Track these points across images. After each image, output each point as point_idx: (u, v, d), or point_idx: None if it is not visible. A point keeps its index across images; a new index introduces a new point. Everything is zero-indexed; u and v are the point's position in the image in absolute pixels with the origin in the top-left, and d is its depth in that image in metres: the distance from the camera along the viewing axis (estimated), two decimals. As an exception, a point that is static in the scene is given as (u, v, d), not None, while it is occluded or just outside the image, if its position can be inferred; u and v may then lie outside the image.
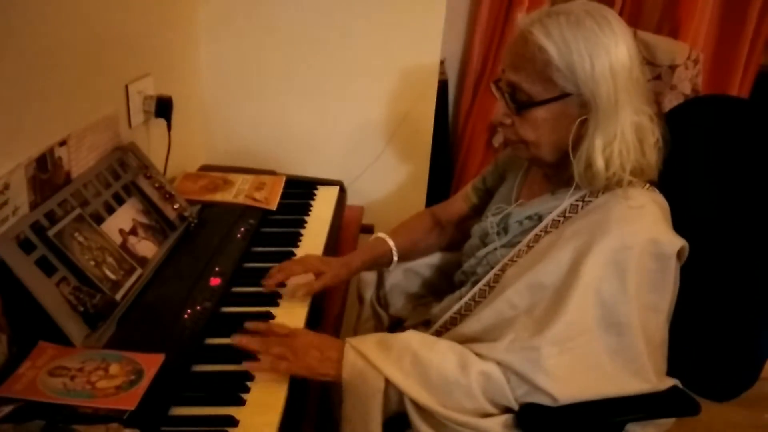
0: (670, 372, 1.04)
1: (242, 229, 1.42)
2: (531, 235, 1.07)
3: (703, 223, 1.15)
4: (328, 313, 1.35)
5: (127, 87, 1.41)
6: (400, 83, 1.88)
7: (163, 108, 1.50)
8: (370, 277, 1.39)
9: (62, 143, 1.15)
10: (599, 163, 0.98)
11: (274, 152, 1.92)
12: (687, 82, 1.95)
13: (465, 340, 1.04)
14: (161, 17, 1.57)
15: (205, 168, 1.78)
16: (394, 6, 1.78)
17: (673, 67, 1.94)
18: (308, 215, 1.56)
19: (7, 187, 0.97)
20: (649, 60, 1.96)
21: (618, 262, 0.95)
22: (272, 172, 1.75)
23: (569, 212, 1.04)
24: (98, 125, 1.28)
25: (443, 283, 1.36)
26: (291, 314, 1.16)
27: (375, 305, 1.39)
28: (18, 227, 1.00)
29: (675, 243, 0.97)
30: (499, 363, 0.95)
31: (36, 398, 0.86)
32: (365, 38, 1.82)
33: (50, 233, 1.03)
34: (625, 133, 0.98)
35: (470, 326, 1.06)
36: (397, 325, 1.36)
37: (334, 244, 1.50)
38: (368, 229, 1.79)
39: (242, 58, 1.85)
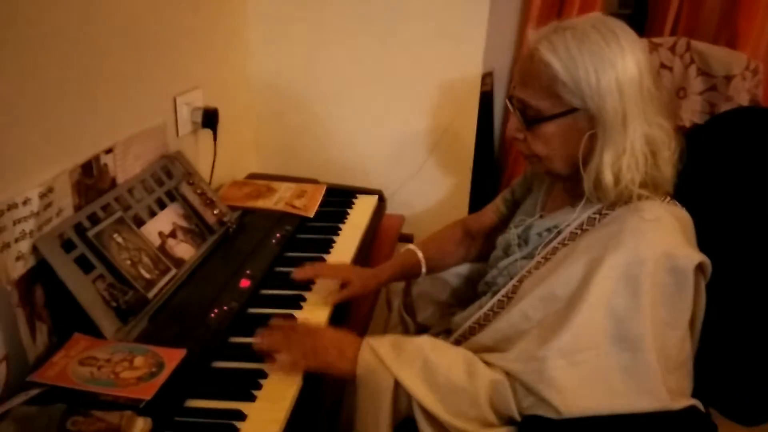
0: (698, 392, 1.01)
1: (278, 235, 1.47)
2: (549, 248, 1.07)
3: (735, 239, 1.11)
4: (355, 317, 1.38)
5: (175, 99, 1.50)
6: (442, 95, 1.90)
7: (210, 119, 1.58)
8: (397, 285, 1.42)
9: (108, 151, 1.24)
10: (608, 177, 0.97)
11: (320, 162, 1.98)
12: (745, 93, 1.87)
13: (480, 350, 1.05)
14: (212, 33, 1.67)
15: (253, 176, 1.86)
16: (437, 19, 1.81)
17: (729, 78, 1.87)
18: (344, 223, 1.61)
19: (51, 190, 1.07)
20: (703, 70, 1.90)
21: (631, 277, 0.93)
22: (315, 181, 1.81)
23: (586, 225, 1.03)
24: (145, 135, 1.37)
25: (470, 293, 1.36)
26: (314, 317, 1.20)
27: (402, 312, 1.41)
28: (61, 228, 1.09)
29: (692, 257, 0.94)
30: (507, 373, 0.96)
31: (64, 384, 0.94)
32: (408, 51, 1.86)
33: (90, 233, 1.12)
34: (635, 147, 0.97)
35: (486, 336, 1.07)
36: (423, 332, 1.37)
37: (367, 252, 1.53)
38: (407, 238, 1.82)
39: (291, 71, 1.92)
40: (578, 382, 0.91)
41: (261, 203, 1.63)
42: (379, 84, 1.91)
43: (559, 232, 1.07)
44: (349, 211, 1.67)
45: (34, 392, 0.90)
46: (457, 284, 1.40)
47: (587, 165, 1.00)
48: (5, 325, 0.98)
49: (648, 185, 0.99)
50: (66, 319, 1.08)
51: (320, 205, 1.67)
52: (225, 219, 1.46)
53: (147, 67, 1.37)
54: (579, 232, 1.04)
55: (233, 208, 1.56)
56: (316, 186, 1.76)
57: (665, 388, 0.92)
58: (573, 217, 1.05)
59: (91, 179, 1.20)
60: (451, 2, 1.79)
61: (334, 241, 1.51)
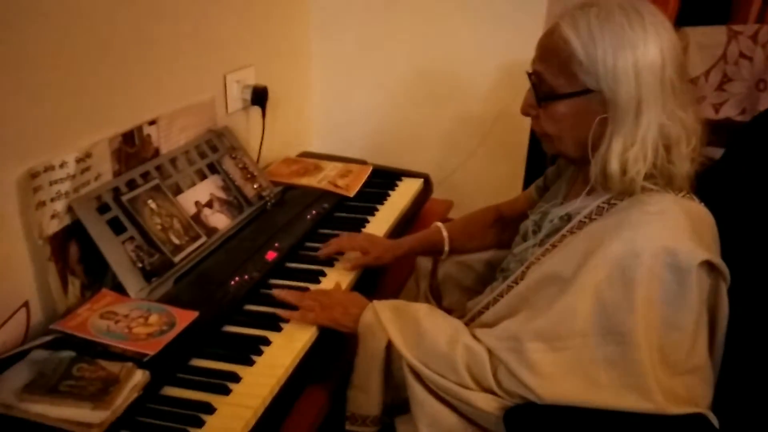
0: (721, 404, 0.95)
1: (314, 212, 1.51)
2: (558, 235, 1.04)
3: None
4: (381, 295, 1.39)
5: (225, 76, 1.56)
6: (498, 79, 1.86)
7: (259, 97, 1.64)
8: (425, 266, 1.42)
9: (152, 122, 1.32)
10: (614, 166, 0.92)
11: (372, 143, 2.00)
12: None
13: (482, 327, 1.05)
14: (270, 12, 1.72)
15: (304, 154, 1.91)
16: (495, 4, 1.78)
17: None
18: (383, 204, 1.62)
19: (89, 155, 1.15)
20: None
21: (624, 268, 0.89)
22: (363, 162, 1.83)
23: (594, 214, 0.99)
24: (192, 109, 1.45)
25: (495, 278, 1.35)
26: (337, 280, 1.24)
27: (428, 295, 1.41)
28: (98, 191, 1.17)
29: (694, 254, 0.88)
30: (489, 350, 0.96)
31: (81, 334, 1.02)
32: (465, 35, 1.84)
33: (124, 198, 1.20)
34: (646, 139, 0.92)
35: (487, 317, 1.08)
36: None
37: (402, 233, 1.53)
38: (452, 224, 1.80)
39: (349, 53, 1.95)
40: (558, 368, 0.90)
41: (305, 180, 1.67)
42: (436, 68, 1.90)
43: (569, 220, 1.03)
44: (390, 192, 1.68)
45: (47, 338, 0.99)
46: (483, 270, 1.38)
47: (596, 151, 0.95)
48: (37, 276, 1.08)
49: (660, 179, 0.94)
50: (98, 275, 1.17)
51: (363, 186, 1.69)
52: (264, 193, 1.51)
53: (198, 44, 1.44)
54: (587, 221, 1.00)
55: (277, 184, 1.61)
56: (362, 167, 1.78)
57: (659, 390, 0.87)
58: (585, 205, 1.01)
59: (132, 148, 1.28)
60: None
61: (368, 221, 1.53)
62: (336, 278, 1.26)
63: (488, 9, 1.79)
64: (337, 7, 1.91)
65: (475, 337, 0.99)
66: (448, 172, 1.97)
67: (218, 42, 1.51)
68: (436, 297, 1.41)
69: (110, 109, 1.22)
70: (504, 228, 1.40)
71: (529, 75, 1.03)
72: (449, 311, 1.38)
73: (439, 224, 1.37)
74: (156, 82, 1.33)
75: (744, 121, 1.81)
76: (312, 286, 1.24)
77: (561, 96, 0.96)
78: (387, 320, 1.04)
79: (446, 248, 1.35)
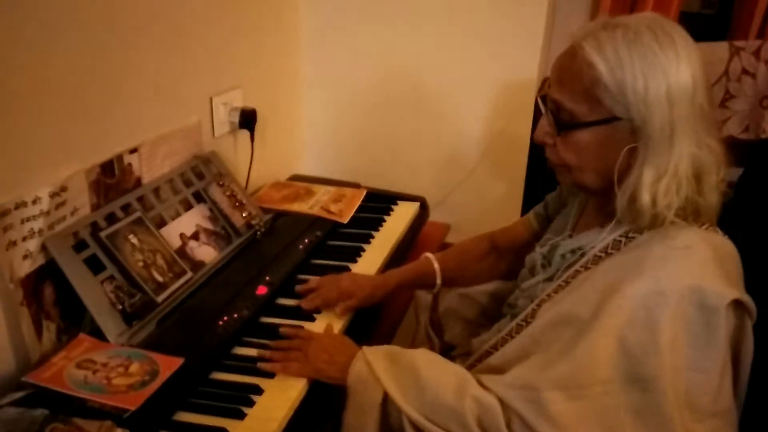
0: None
1: (306, 240, 1.43)
2: (571, 271, 0.97)
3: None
4: (381, 328, 1.33)
5: (211, 99, 1.49)
6: (496, 99, 1.80)
7: (248, 119, 1.56)
8: (425, 299, 1.34)
9: (133, 150, 1.24)
10: (645, 198, 0.85)
11: (366, 165, 1.93)
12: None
13: (489, 372, 0.97)
14: (258, 32, 1.64)
15: (295, 178, 1.83)
16: (493, 19, 1.72)
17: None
18: (378, 230, 1.54)
19: (64, 189, 1.07)
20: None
21: (649, 309, 0.82)
22: (357, 185, 1.76)
23: (611, 248, 0.93)
24: (176, 134, 1.37)
25: (500, 312, 1.27)
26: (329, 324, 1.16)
27: (429, 329, 1.33)
28: (74, 227, 1.09)
29: (723, 294, 0.82)
30: (500, 400, 0.88)
31: (56, 387, 0.93)
32: (461, 53, 1.78)
33: (103, 234, 1.11)
34: (679, 169, 0.85)
35: (496, 359, 1.00)
36: (448, 351, 1.30)
37: (399, 262, 1.46)
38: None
39: (340, 73, 1.88)
40: (579, 419, 0.83)
41: (296, 206, 1.59)
42: (431, 86, 1.84)
43: (582, 254, 0.97)
44: (385, 218, 1.61)
45: (18, 395, 0.90)
46: (487, 303, 1.31)
47: (622, 182, 0.88)
48: (8, 323, 0.99)
49: (687, 212, 0.87)
50: (75, 318, 1.08)
51: (357, 211, 1.61)
52: (253, 222, 1.43)
53: (182, 66, 1.36)
54: (603, 255, 0.93)
55: (267, 211, 1.53)
56: (355, 190, 1.70)
57: None
58: (599, 239, 0.95)
59: (112, 178, 1.20)
60: (508, 3, 1.69)
61: (363, 250, 1.45)
62: (329, 317, 1.18)
63: (485, 27, 1.73)
64: (329, 26, 1.84)
65: (482, 384, 0.91)
66: (445, 193, 1.90)
67: (203, 64, 1.44)
68: (437, 331, 1.33)
69: (87, 138, 1.13)
70: (500, 258, 1.33)
71: (543, 99, 0.96)
72: (451, 346, 1.31)
73: (430, 255, 1.29)
74: (137, 108, 1.25)
75: (748, 140, 1.76)
76: (306, 324, 1.17)
77: (583, 124, 0.89)
78: (381, 371, 0.95)
79: (438, 281, 1.27)
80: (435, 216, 1.84)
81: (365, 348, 1.00)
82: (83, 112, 1.11)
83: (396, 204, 1.69)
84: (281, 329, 1.12)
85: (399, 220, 1.61)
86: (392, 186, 1.81)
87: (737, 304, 0.85)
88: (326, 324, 1.14)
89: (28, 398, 0.91)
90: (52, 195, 1.04)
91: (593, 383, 0.84)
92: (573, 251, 0.99)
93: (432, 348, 1.32)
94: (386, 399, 0.94)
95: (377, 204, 1.67)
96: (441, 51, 1.79)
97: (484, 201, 1.89)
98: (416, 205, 1.69)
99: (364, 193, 1.69)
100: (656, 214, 0.86)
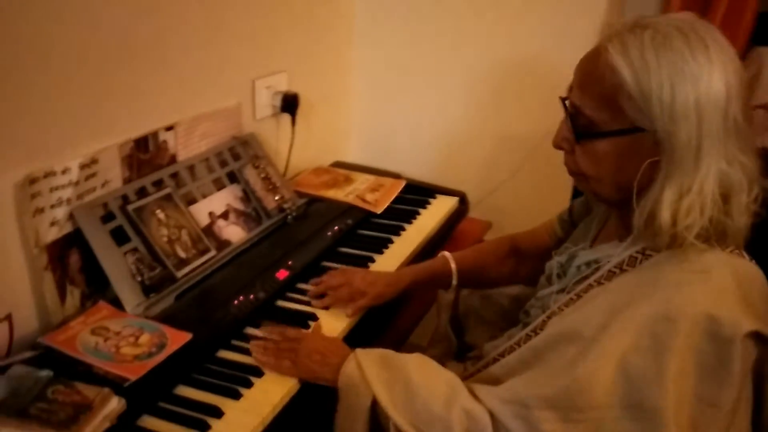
0: None
1: (335, 228, 1.43)
2: (584, 284, 0.92)
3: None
4: (401, 320, 1.31)
5: (254, 82, 1.50)
6: (547, 96, 1.73)
7: (289, 104, 1.58)
8: (447, 297, 1.31)
9: (169, 128, 1.27)
10: (664, 216, 0.79)
11: (410, 156, 1.91)
12: None
13: (488, 382, 0.94)
14: (308, 19, 1.65)
15: (337, 164, 1.83)
16: (547, 16, 1.66)
17: None
18: (410, 223, 1.52)
19: (95, 161, 1.11)
20: None
21: (657, 335, 0.77)
22: (397, 176, 1.74)
23: (626, 265, 0.87)
24: (215, 115, 1.39)
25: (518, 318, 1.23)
26: (337, 320, 1.15)
27: (448, 329, 1.31)
28: (104, 198, 1.13)
29: (739, 324, 0.75)
30: (492, 413, 0.85)
31: (67, 351, 0.97)
32: (512, 48, 1.72)
33: (131, 207, 1.15)
34: (704, 187, 0.78)
35: (497, 369, 0.97)
36: (466, 352, 1.27)
37: (429, 256, 1.43)
38: (487, 247, 1.69)
39: (391, 62, 1.87)
40: None
41: (332, 193, 1.60)
42: (482, 80, 1.79)
43: (597, 268, 0.91)
44: (421, 211, 1.59)
45: (27, 355, 0.94)
46: (509, 306, 1.27)
47: (642, 197, 0.82)
48: (33, 286, 1.04)
49: (711, 233, 0.80)
50: (100, 286, 1.12)
51: (394, 202, 1.60)
52: (285, 205, 1.44)
53: (224, 48, 1.39)
54: (617, 271, 0.88)
55: (302, 195, 1.54)
56: (394, 181, 1.69)
57: None
58: (616, 253, 0.89)
59: (146, 154, 1.23)
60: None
61: (391, 242, 1.44)
62: (339, 315, 1.17)
63: (540, 20, 1.67)
64: (383, 14, 1.82)
65: (475, 395, 0.88)
66: (489, 191, 1.85)
67: (248, 47, 1.45)
68: (456, 330, 1.31)
69: (122, 114, 1.17)
70: (520, 261, 1.28)
71: (563, 101, 0.92)
72: (470, 347, 1.28)
73: (447, 254, 1.25)
74: (175, 87, 1.28)
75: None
76: (320, 312, 1.17)
77: (603, 133, 0.84)
78: (372, 375, 0.92)
79: (454, 281, 1.23)
80: (477, 213, 1.81)
81: (358, 350, 0.98)
82: (119, 88, 1.15)
83: (434, 197, 1.66)
84: (263, 328, 1.09)
85: (434, 213, 1.59)
86: (436, 180, 1.78)
87: (759, 337, 0.78)
88: (314, 324, 1.13)
89: (39, 358, 0.95)
90: (82, 166, 1.08)
91: (590, 407, 0.79)
92: (588, 263, 0.94)
93: (450, 347, 1.30)
94: (375, 403, 0.91)
95: (415, 196, 1.65)
96: (493, 46, 1.74)
97: (528, 203, 1.83)
98: (455, 199, 1.66)
99: (403, 184, 1.68)
100: (676, 235, 0.79)
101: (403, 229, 1.49)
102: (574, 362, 0.82)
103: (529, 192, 1.83)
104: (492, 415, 0.84)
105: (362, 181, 1.68)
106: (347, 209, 1.52)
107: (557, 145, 0.92)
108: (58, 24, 1.01)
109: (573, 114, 0.88)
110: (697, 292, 0.77)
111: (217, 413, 0.92)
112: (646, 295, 0.79)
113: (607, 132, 0.84)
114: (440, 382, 0.91)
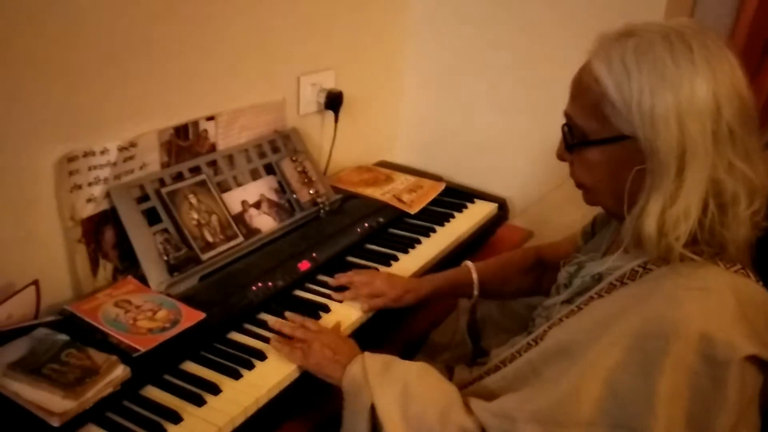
0: None
1: (366, 225, 1.45)
2: (586, 296, 0.90)
3: None
4: (421, 318, 1.31)
5: (299, 78, 1.55)
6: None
7: (333, 101, 1.61)
8: (466, 302, 1.31)
9: (210, 118, 1.33)
10: (650, 227, 0.77)
11: (457, 160, 1.90)
12: None
13: (486, 393, 0.94)
14: (359, 17, 1.68)
15: (381, 163, 1.85)
16: (603, 21, 1.61)
17: None
18: (443, 225, 1.52)
19: (134, 144, 1.18)
20: None
21: (647, 353, 0.74)
22: (439, 178, 1.75)
23: (627, 278, 0.84)
24: (257, 108, 1.45)
25: (532, 327, 1.22)
26: (348, 314, 1.17)
27: (465, 334, 1.30)
28: (141, 180, 1.20)
29: (735, 346, 0.71)
30: (482, 427, 0.84)
31: (88, 319, 1.04)
32: (565, 53, 1.68)
33: (165, 190, 1.21)
34: (690, 197, 0.75)
35: (493, 380, 0.97)
36: (480, 357, 1.26)
37: (459, 260, 1.42)
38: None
39: (442, 63, 1.87)
40: None
41: (369, 191, 1.62)
42: (532, 87, 1.76)
43: (600, 280, 0.89)
44: (456, 214, 1.58)
45: (50, 318, 1.02)
46: (526, 313, 1.24)
47: (632, 206, 0.81)
48: (68, 256, 1.12)
49: (708, 246, 0.77)
50: (133, 262, 1.19)
51: (431, 204, 1.61)
52: (319, 200, 1.48)
53: (271, 43, 1.44)
54: (618, 284, 0.85)
55: (339, 191, 1.57)
56: (434, 183, 1.69)
57: None
58: (621, 266, 0.87)
59: (185, 141, 1.30)
60: (623, 5, 1.58)
61: (420, 242, 1.44)
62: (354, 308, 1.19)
63: (597, 20, 1.62)
64: (437, 17, 1.83)
65: (468, 408, 0.87)
66: (534, 200, 1.82)
67: (296, 43, 1.50)
68: (473, 336, 1.30)
69: (164, 101, 1.24)
70: (544, 273, 1.26)
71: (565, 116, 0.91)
72: (486, 352, 1.27)
73: (470, 264, 1.25)
74: (219, 79, 1.34)
75: None
76: (333, 305, 1.19)
77: (592, 142, 0.84)
78: (374, 379, 0.93)
79: (475, 292, 1.22)
80: (520, 221, 1.78)
81: (366, 353, 0.99)
82: (162, 77, 1.22)
83: (473, 202, 1.65)
84: (287, 314, 1.13)
85: (469, 218, 1.58)
86: (482, 185, 1.77)
87: (760, 362, 0.74)
88: (335, 322, 1.14)
89: (61, 323, 1.03)
90: (121, 149, 1.15)
91: (575, 423, 0.77)
92: (593, 276, 0.92)
93: (465, 352, 1.29)
94: (374, 407, 0.92)
95: (453, 199, 1.65)
96: (544, 50, 1.71)
97: (574, 212, 1.78)
98: (493, 206, 1.65)
99: (443, 186, 1.68)
100: (666, 246, 0.77)
101: (434, 231, 1.49)
102: (564, 376, 0.80)
103: (571, 204, 1.78)
104: (483, 430, 0.84)
105: (402, 181, 1.69)
106: (382, 207, 1.54)
107: (559, 157, 0.92)
108: (110, 9, 1.07)
109: (567, 125, 0.88)
110: (692, 309, 0.74)
111: (215, 390, 0.95)
112: (639, 310, 0.77)
113: (596, 141, 0.84)
114: (439, 393, 0.91)
